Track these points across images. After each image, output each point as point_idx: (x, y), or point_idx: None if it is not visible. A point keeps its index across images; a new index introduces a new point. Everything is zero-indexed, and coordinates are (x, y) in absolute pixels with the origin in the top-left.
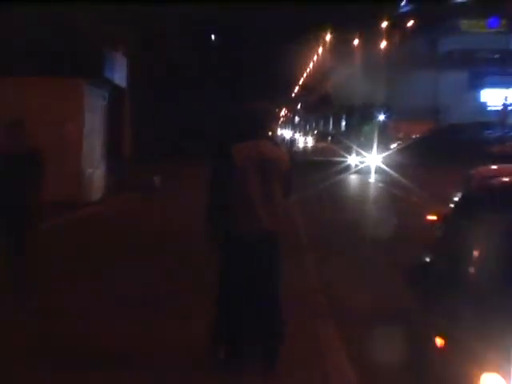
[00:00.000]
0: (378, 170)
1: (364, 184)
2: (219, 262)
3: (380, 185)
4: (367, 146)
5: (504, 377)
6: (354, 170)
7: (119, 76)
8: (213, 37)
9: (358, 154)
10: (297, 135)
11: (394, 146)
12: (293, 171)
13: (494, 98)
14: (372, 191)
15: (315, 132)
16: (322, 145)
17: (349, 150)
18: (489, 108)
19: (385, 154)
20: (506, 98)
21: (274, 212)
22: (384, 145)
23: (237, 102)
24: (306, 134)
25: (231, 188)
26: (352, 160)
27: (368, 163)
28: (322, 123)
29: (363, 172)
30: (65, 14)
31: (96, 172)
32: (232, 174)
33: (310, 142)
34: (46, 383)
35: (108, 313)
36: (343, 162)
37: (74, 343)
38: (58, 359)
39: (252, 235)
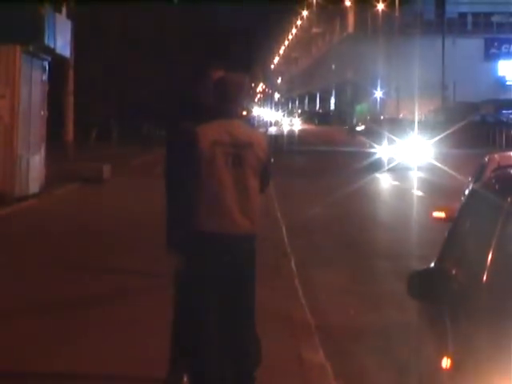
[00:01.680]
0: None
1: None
2: (180, 270)
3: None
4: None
5: None
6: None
7: (62, 43)
8: None
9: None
10: (278, 115)
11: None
12: (270, 160)
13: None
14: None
15: (299, 111)
16: (312, 127)
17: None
18: (508, 83)
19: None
20: None
21: (249, 210)
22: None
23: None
24: (289, 113)
25: (196, 180)
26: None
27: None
28: (306, 101)
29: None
30: None
31: (33, 159)
32: (196, 163)
33: (296, 123)
34: None
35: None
36: (350, 152)
37: None
38: None
39: (222, 238)
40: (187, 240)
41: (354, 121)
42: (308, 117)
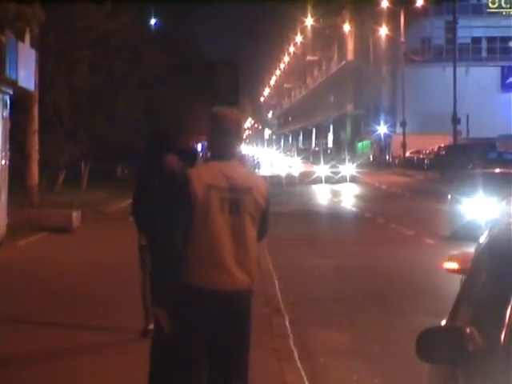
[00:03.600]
0: None
1: None
2: (161, 325)
3: None
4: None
5: None
6: None
7: (25, 75)
8: (153, 21)
9: None
10: (271, 153)
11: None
12: (269, 207)
13: None
14: None
15: (292, 150)
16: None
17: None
18: None
19: None
20: None
21: (247, 263)
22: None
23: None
24: (286, 152)
25: (187, 229)
26: None
27: None
28: (301, 138)
29: None
30: None
31: None
32: (188, 209)
33: (295, 164)
34: None
35: None
36: None
37: None
38: None
39: (216, 295)
40: (175, 295)
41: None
42: (305, 156)
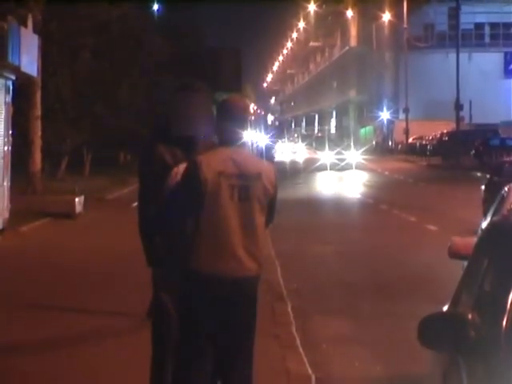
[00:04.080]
0: None
1: None
2: (163, 310)
3: None
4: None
5: None
6: None
7: (28, 61)
8: (155, 6)
9: None
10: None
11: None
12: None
13: None
14: None
15: (295, 135)
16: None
17: None
18: None
19: None
20: None
21: (256, 250)
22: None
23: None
24: (289, 138)
25: (196, 214)
26: None
27: None
28: (304, 124)
29: None
30: None
31: None
32: (198, 196)
33: (298, 150)
34: None
35: None
36: None
37: None
38: None
39: (224, 281)
40: (182, 281)
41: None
42: (308, 142)
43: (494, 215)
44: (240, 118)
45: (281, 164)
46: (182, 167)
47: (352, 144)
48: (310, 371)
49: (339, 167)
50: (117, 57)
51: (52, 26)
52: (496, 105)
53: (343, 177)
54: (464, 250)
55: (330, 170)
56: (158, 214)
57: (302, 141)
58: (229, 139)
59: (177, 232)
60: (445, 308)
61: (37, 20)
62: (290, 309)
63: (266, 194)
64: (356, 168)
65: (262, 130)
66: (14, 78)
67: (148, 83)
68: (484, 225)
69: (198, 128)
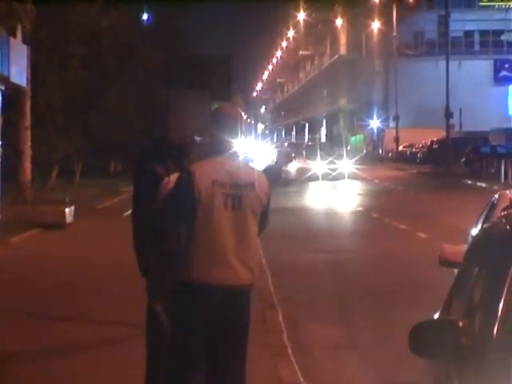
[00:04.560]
0: None
1: None
2: (158, 319)
3: None
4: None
5: None
6: None
7: (17, 71)
8: (145, 16)
9: None
10: (265, 147)
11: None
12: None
13: None
14: None
15: (285, 144)
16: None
17: None
18: None
19: None
20: None
21: (249, 258)
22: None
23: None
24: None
25: (190, 224)
26: None
27: None
28: (294, 132)
29: None
30: None
31: None
32: (191, 206)
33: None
34: None
35: None
36: None
37: None
38: None
39: (217, 289)
40: (175, 290)
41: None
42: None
43: (484, 223)
44: (232, 127)
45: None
46: (173, 177)
47: (344, 153)
48: (301, 380)
49: (331, 177)
50: (106, 65)
51: (41, 35)
52: (486, 112)
53: (336, 186)
54: (454, 257)
55: (322, 179)
56: (151, 224)
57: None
58: (221, 148)
59: (170, 242)
60: (436, 316)
61: (26, 30)
62: (281, 317)
63: (260, 203)
64: (348, 177)
65: (253, 139)
66: (3, 88)
67: (137, 92)
68: (474, 232)
69: (194, 133)
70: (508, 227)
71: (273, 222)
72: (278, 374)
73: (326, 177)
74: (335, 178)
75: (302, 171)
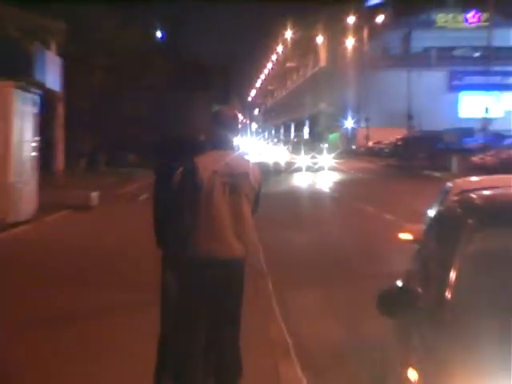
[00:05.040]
0: None
1: None
2: (168, 285)
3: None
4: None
5: None
6: None
7: (52, 78)
8: (158, 33)
9: None
10: (258, 143)
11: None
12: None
13: (473, 103)
14: None
15: (275, 140)
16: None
17: None
18: (467, 116)
19: None
20: (486, 108)
21: (243, 235)
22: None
23: (197, 108)
24: (272, 142)
25: (195, 205)
26: None
27: None
28: (282, 131)
29: None
30: None
31: (26, 187)
32: (197, 190)
33: (281, 153)
34: None
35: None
36: None
37: None
38: None
39: (217, 262)
40: (183, 263)
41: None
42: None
43: (439, 206)
44: (231, 126)
45: (264, 165)
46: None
47: (324, 149)
48: (287, 336)
49: (313, 169)
50: (125, 74)
51: (71, 48)
52: (441, 115)
53: (317, 176)
54: (415, 235)
55: (306, 171)
56: (166, 208)
57: (284, 145)
58: (221, 143)
59: (179, 222)
60: (399, 282)
61: (59, 44)
62: (270, 285)
63: (252, 190)
64: (327, 169)
65: (248, 136)
66: (40, 92)
67: (150, 97)
68: (431, 214)
69: (203, 132)
70: (459, 210)
71: (264, 204)
72: (267, 333)
73: (309, 169)
74: (316, 170)
75: (289, 164)
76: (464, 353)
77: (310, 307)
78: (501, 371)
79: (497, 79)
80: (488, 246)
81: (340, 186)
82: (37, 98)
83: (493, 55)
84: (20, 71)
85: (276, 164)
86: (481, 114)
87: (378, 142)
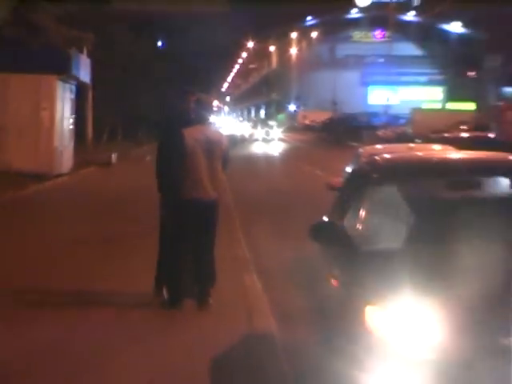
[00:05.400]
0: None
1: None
2: (164, 217)
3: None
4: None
5: (383, 308)
6: None
7: (84, 74)
8: (159, 43)
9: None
10: (229, 121)
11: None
12: (229, 150)
13: (378, 94)
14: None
15: (241, 119)
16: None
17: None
18: (374, 103)
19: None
20: (387, 98)
21: (216, 183)
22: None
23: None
24: (239, 120)
25: (183, 163)
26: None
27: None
28: (245, 113)
29: None
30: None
31: (65, 150)
32: (184, 152)
33: (245, 128)
34: None
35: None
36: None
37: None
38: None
39: (200, 201)
40: (175, 202)
41: (275, 124)
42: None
43: (354, 165)
44: (208, 108)
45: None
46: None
47: (275, 125)
48: (247, 252)
49: (267, 140)
50: (136, 73)
51: (98, 52)
52: (356, 102)
53: (269, 144)
54: (337, 184)
55: (262, 141)
56: (165, 164)
57: (247, 122)
58: (202, 120)
59: (173, 174)
60: (324, 218)
61: (88, 49)
62: (237, 219)
63: (222, 151)
64: (277, 140)
65: (222, 116)
66: (75, 83)
67: (155, 90)
68: (347, 170)
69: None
70: (367, 168)
71: (233, 163)
72: (233, 251)
73: (263, 139)
74: (269, 140)
75: (250, 135)
76: (367, 264)
77: (264, 234)
78: (394, 278)
79: (394, 78)
80: (387, 193)
81: (285, 151)
82: (73, 87)
83: (392, 61)
84: (62, 68)
85: (241, 136)
86: (383, 102)
87: (313, 121)
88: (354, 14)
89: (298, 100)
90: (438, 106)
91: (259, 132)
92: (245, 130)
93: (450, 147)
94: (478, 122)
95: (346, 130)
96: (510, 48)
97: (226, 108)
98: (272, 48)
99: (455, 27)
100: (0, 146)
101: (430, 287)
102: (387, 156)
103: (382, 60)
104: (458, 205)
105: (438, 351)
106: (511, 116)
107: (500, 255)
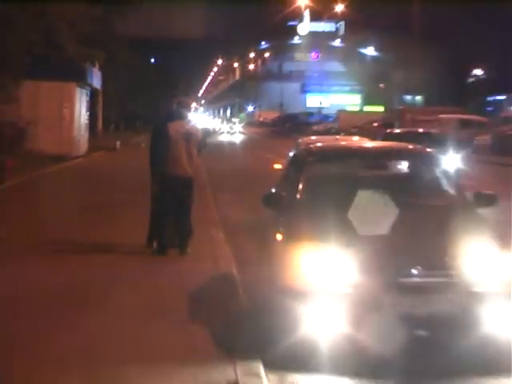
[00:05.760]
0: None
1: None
2: (155, 189)
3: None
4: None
5: (314, 247)
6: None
7: (96, 82)
8: (152, 59)
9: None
10: (204, 118)
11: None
12: (204, 139)
13: (314, 99)
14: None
15: (212, 117)
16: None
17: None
18: (310, 106)
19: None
20: (320, 102)
21: (192, 164)
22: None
23: (170, 98)
24: (212, 117)
25: (168, 148)
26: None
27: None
28: (215, 112)
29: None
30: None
31: (82, 138)
32: (169, 140)
33: (216, 124)
34: None
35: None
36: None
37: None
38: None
39: (180, 176)
40: (160, 179)
41: (237, 121)
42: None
43: (295, 151)
44: (188, 108)
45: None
46: (164, 127)
47: (237, 122)
48: (216, 216)
49: (231, 132)
50: (134, 82)
51: (107, 65)
52: (297, 105)
53: (233, 135)
54: (282, 165)
55: (227, 133)
56: (155, 148)
57: (217, 119)
58: (182, 117)
59: (160, 155)
60: (273, 189)
61: (100, 63)
62: (209, 191)
63: (197, 140)
64: (238, 132)
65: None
66: (89, 89)
67: (149, 94)
68: (290, 155)
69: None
70: (304, 153)
71: (207, 150)
72: (206, 213)
73: (228, 132)
74: (232, 133)
75: (219, 129)
76: (303, 219)
77: (229, 201)
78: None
79: (326, 87)
80: (318, 172)
81: (244, 141)
82: (88, 92)
83: (323, 75)
84: (79, 77)
85: (213, 129)
86: (317, 105)
87: (265, 119)
88: (296, 40)
89: (255, 103)
90: (357, 108)
91: (225, 126)
92: (215, 125)
93: (365, 138)
94: (385, 121)
95: (290, 125)
96: (409, 67)
97: (201, 108)
98: (236, 64)
99: (370, 51)
100: (32, 135)
101: (347, 238)
102: (319, 144)
103: (316, 74)
104: (370, 179)
105: (353, 287)
106: (409, 116)
107: (399, 214)
